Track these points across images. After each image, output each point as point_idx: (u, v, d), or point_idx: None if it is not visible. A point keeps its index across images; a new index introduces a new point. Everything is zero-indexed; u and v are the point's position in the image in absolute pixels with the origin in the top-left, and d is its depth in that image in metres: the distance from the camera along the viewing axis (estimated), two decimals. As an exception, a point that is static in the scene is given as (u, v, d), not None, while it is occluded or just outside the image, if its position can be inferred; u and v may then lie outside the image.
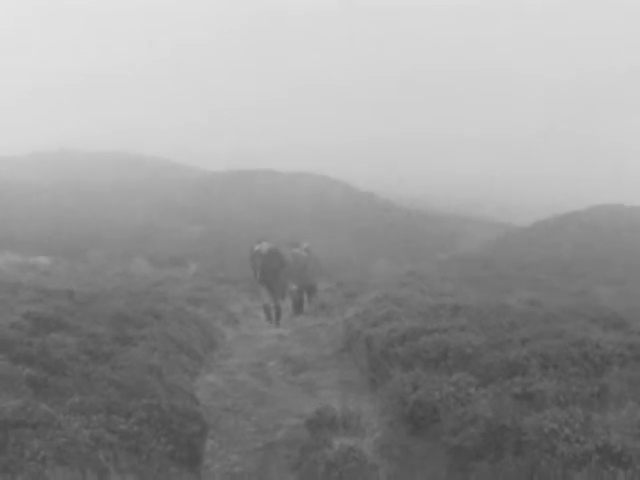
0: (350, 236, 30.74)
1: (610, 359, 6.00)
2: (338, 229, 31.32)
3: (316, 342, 11.32)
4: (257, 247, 14.31)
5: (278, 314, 14.34)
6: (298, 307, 15.63)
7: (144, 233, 29.03)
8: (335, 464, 5.21)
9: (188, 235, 29.26)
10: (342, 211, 34.85)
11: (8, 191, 35.43)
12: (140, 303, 11.41)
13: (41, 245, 25.07)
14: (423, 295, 12.59)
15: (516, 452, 4.67)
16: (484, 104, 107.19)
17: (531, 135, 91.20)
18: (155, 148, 60.42)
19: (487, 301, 11.29)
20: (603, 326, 7.82)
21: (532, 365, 5.98)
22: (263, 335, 12.35)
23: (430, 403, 5.82)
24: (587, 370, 5.86)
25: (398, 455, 5.53)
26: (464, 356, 6.85)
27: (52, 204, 33.47)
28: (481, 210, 45.25)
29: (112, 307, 10.30)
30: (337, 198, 37.28)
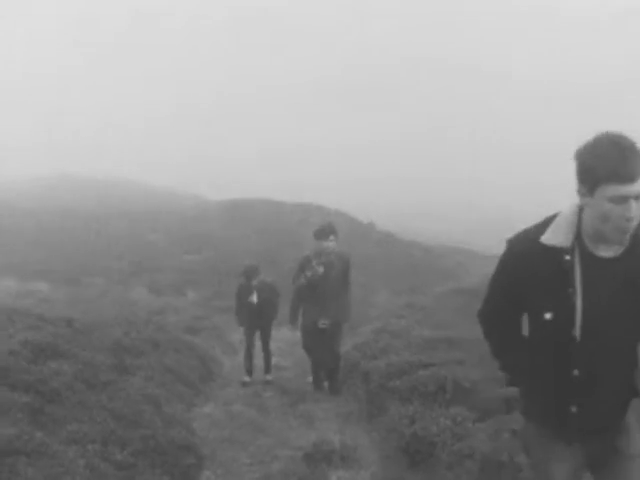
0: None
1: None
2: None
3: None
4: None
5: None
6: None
7: (143, 260, 29.00)
8: (331, 498, 5.19)
9: (187, 263, 29.22)
10: (344, 241, 34.88)
11: (6, 217, 35.44)
12: (138, 332, 11.38)
13: (40, 271, 25.05)
14: (421, 327, 12.52)
15: (512, 489, 4.65)
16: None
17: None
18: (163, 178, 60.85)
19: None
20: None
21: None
22: (260, 365, 12.30)
23: (427, 437, 5.80)
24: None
25: (394, 489, 5.51)
26: (462, 390, 6.83)
27: (52, 229, 33.48)
28: (486, 242, 45.09)
29: (111, 336, 10.28)
30: (339, 229, 37.23)
